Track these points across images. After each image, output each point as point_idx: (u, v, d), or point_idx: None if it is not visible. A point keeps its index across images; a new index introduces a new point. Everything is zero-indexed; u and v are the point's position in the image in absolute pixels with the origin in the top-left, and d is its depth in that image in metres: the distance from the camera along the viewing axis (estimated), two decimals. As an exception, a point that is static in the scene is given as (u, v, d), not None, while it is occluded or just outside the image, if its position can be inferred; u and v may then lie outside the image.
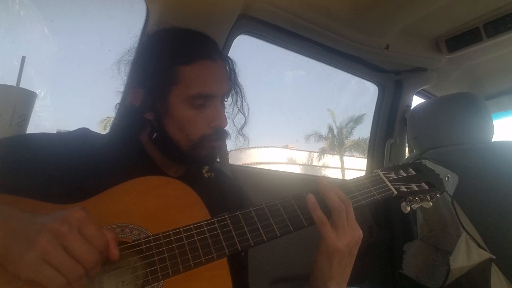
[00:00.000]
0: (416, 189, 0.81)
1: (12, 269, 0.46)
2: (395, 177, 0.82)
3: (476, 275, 1.23)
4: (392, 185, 0.79)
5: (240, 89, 0.90)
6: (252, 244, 0.62)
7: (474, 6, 1.34)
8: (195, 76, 0.74)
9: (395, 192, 0.78)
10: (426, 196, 0.81)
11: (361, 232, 0.67)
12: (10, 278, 0.48)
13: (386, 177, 0.80)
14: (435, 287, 1.34)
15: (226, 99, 0.83)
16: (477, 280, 1.23)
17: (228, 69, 0.85)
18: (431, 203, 0.83)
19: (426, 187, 0.82)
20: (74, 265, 0.47)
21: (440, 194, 0.84)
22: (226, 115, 0.81)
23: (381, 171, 0.82)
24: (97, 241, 0.50)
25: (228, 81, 0.82)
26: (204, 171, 0.88)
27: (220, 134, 0.78)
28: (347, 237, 0.64)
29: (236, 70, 0.89)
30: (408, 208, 0.81)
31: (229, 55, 1.32)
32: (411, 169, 0.86)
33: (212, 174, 0.90)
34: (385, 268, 1.77)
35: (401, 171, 0.85)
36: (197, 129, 0.76)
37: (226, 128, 0.81)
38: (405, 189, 0.80)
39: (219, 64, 0.79)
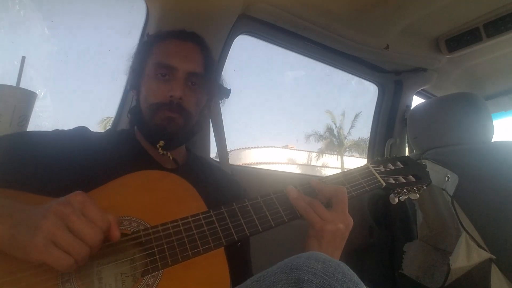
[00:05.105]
0: (404, 181, 0.85)
1: (21, 254, 0.48)
2: (383, 169, 0.86)
3: (476, 275, 1.23)
4: (381, 177, 0.82)
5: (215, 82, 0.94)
6: (248, 234, 0.65)
7: (474, 6, 1.34)
8: (161, 48, 0.86)
9: (384, 184, 0.81)
10: (413, 188, 0.86)
11: (352, 220, 0.69)
12: (13, 268, 0.50)
13: (375, 170, 0.84)
14: (435, 287, 1.34)
15: (195, 82, 0.85)
16: (477, 280, 1.23)
17: (203, 55, 0.88)
18: (417, 195, 0.88)
19: (413, 179, 0.86)
20: (80, 245, 0.49)
21: (426, 186, 0.89)
22: (191, 95, 0.84)
23: (370, 164, 0.86)
24: (99, 220, 0.51)
25: (198, 63, 0.86)
26: (159, 145, 0.81)
27: (175, 106, 0.81)
28: (338, 221, 0.66)
29: (218, 66, 0.97)
30: (396, 200, 0.86)
31: (229, 55, 1.32)
32: (399, 163, 0.90)
33: (170, 156, 0.83)
34: (385, 268, 1.77)
35: (390, 164, 0.89)
36: (156, 97, 0.82)
37: (190, 110, 0.83)
38: (393, 181, 0.83)
39: (188, 44, 0.87)
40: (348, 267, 0.50)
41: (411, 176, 0.87)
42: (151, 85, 0.83)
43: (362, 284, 0.48)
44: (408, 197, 0.87)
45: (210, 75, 0.89)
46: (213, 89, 0.94)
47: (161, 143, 0.81)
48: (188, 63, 0.84)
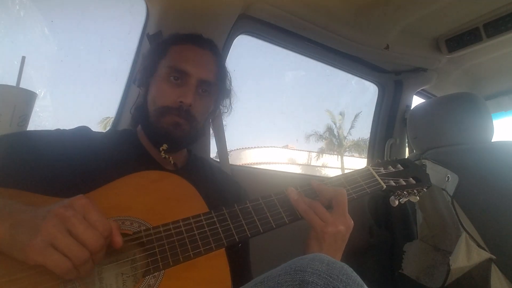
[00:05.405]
0: (404, 183, 0.85)
1: (20, 255, 0.48)
2: (384, 172, 0.86)
3: (476, 275, 1.23)
4: (381, 179, 0.82)
5: (225, 89, 0.94)
6: (249, 235, 0.65)
7: (474, 6, 1.34)
8: (176, 52, 0.85)
9: (384, 186, 0.81)
10: (413, 191, 0.86)
11: (352, 222, 0.69)
12: (14, 268, 0.49)
13: (376, 172, 0.84)
14: (435, 287, 1.34)
15: (206, 90, 0.85)
16: (477, 280, 1.23)
17: (216, 63, 0.88)
18: (418, 197, 0.88)
19: (413, 181, 0.86)
20: (80, 249, 0.48)
21: (426, 189, 0.88)
22: (201, 103, 0.84)
23: (371, 166, 0.86)
24: (101, 226, 0.51)
25: (211, 71, 0.86)
26: (162, 148, 0.81)
27: (184, 112, 0.80)
28: (339, 223, 0.66)
29: (229, 74, 0.95)
30: (397, 202, 0.85)
31: (229, 55, 1.32)
32: (399, 165, 0.90)
33: (171, 160, 0.83)
34: (385, 268, 1.77)
35: (390, 166, 0.89)
36: (164, 100, 0.81)
37: (197, 116, 0.83)
38: (393, 184, 0.83)
39: (204, 52, 0.86)
40: (351, 269, 0.50)
41: (411, 179, 0.87)
42: (162, 87, 0.82)
43: (365, 286, 0.48)
44: (408, 199, 0.87)
45: (221, 84, 0.90)
46: (222, 97, 0.95)
47: (164, 146, 0.81)
48: (202, 70, 0.83)
